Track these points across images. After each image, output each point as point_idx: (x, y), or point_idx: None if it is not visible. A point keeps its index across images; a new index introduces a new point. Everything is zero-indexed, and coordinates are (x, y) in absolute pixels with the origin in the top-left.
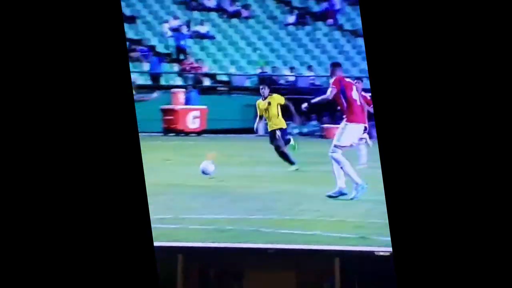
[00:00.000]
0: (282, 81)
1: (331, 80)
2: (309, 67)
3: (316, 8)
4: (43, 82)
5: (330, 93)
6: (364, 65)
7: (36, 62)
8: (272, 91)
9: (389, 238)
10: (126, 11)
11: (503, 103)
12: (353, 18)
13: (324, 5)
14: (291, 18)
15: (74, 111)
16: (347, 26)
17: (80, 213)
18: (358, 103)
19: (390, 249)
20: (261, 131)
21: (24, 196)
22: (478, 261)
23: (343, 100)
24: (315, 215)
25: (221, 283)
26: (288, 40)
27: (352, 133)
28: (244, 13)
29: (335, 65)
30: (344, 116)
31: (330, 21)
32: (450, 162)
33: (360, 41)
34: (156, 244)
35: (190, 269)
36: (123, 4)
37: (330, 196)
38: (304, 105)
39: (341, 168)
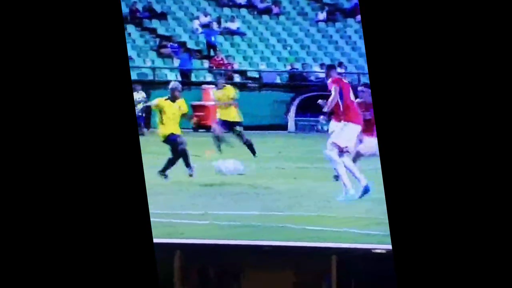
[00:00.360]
0: (312, 78)
1: (329, 81)
2: (340, 64)
3: (346, 5)
4: (43, 82)
5: (335, 91)
6: None
7: (35, 62)
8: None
9: (389, 237)
10: (157, 8)
11: (503, 100)
12: None
13: (354, 1)
14: (322, 15)
15: (74, 111)
16: None
17: (80, 212)
18: (355, 104)
19: (389, 246)
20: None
21: (24, 196)
22: (479, 260)
23: (340, 102)
24: (315, 212)
25: (220, 282)
26: (318, 36)
27: (350, 133)
28: (275, 9)
29: (330, 67)
30: (341, 117)
31: (359, 17)
32: (450, 160)
33: None
34: (155, 241)
35: (189, 267)
36: (153, 0)
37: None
38: (321, 117)
39: (334, 168)
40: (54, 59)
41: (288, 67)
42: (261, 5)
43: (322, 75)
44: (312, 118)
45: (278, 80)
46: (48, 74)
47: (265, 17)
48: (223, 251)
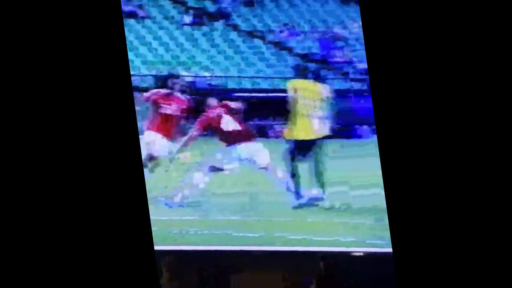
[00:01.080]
0: (179, 82)
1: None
2: (206, 68)
3: (212, 8)
4: (43, 83)
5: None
6: (260, 66)
7: (37, 63)
8: None
9: (389, 240)
10: None
11: (504, 102)
12: (248, 19)
13: (218, 5)
14: (188, 18)
15: (73, 112)
16: (243, 27)
17: (78, 215)
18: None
19: (385, 250)
20: None
21: (22, 198)
22: (482, 263)
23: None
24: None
25: (214, 284)
26: (184, 40)
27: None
28: (140, 13)
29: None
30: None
31: (224, 21)
32: (451, 161)
33: (257, 42)
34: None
35: (180, 271)
36: None
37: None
38: None
39: None
40: (50, 60)
41: (154, 71)
42: (125, 8)
43: (189, 79)
44: None
45: (144, 84)
46: (47, 75)
47: (130, 21)
48: (215, 257)
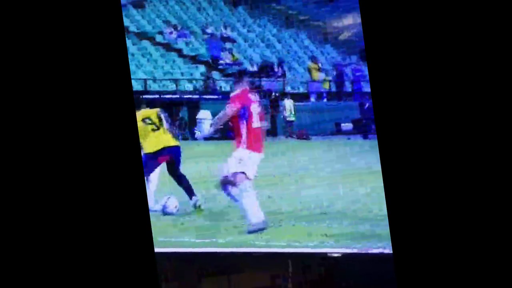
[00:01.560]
0: None
1: (233, 93)
2: None
3: None
4: (44, 84)
5: (229, 109)
6: (149, 67)
7: (38, 64)
8: None
9: (389, 241)
10: None
11: (503, 102)
12: (137, 20)
13: None
14: None
15: (73, 113)
16: (133, 28)
17: (79, 218)
18: (259, 127)
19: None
20: None
21: (21, 200)
22: (481, 263)
23: (242, 123)
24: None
25: (214, 284)
26: None
27: (254, 163)
28: None
29: (241, 74)
30: (240, 143)
31: None
32: (451, 162)
33: (145, 43)
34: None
35: (180, 271)
36: None
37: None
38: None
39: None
40: (51, 64)
41: None
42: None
43: None
44: None
45: None
46: (47, 76)
47: None
48: (210, 258)
